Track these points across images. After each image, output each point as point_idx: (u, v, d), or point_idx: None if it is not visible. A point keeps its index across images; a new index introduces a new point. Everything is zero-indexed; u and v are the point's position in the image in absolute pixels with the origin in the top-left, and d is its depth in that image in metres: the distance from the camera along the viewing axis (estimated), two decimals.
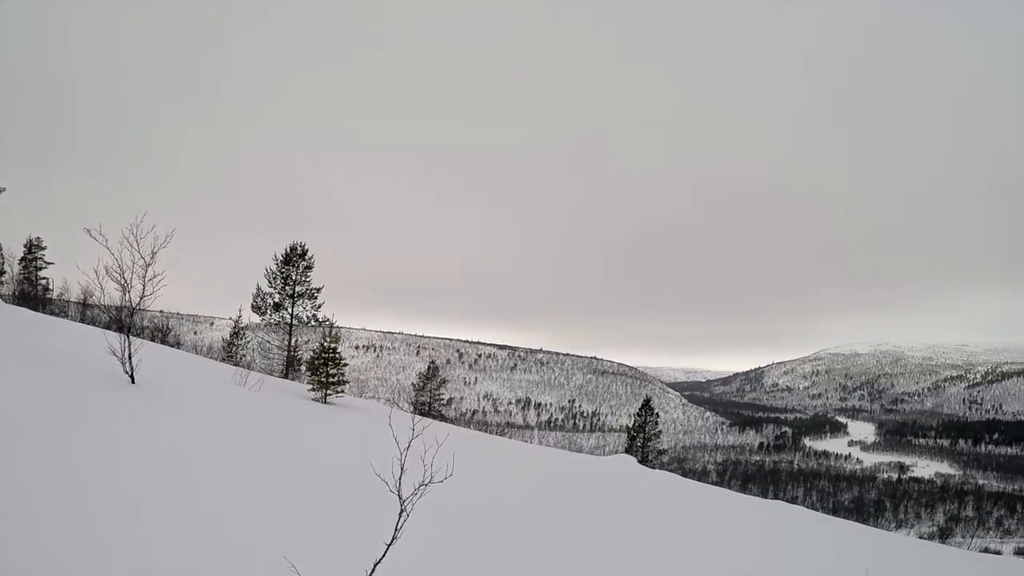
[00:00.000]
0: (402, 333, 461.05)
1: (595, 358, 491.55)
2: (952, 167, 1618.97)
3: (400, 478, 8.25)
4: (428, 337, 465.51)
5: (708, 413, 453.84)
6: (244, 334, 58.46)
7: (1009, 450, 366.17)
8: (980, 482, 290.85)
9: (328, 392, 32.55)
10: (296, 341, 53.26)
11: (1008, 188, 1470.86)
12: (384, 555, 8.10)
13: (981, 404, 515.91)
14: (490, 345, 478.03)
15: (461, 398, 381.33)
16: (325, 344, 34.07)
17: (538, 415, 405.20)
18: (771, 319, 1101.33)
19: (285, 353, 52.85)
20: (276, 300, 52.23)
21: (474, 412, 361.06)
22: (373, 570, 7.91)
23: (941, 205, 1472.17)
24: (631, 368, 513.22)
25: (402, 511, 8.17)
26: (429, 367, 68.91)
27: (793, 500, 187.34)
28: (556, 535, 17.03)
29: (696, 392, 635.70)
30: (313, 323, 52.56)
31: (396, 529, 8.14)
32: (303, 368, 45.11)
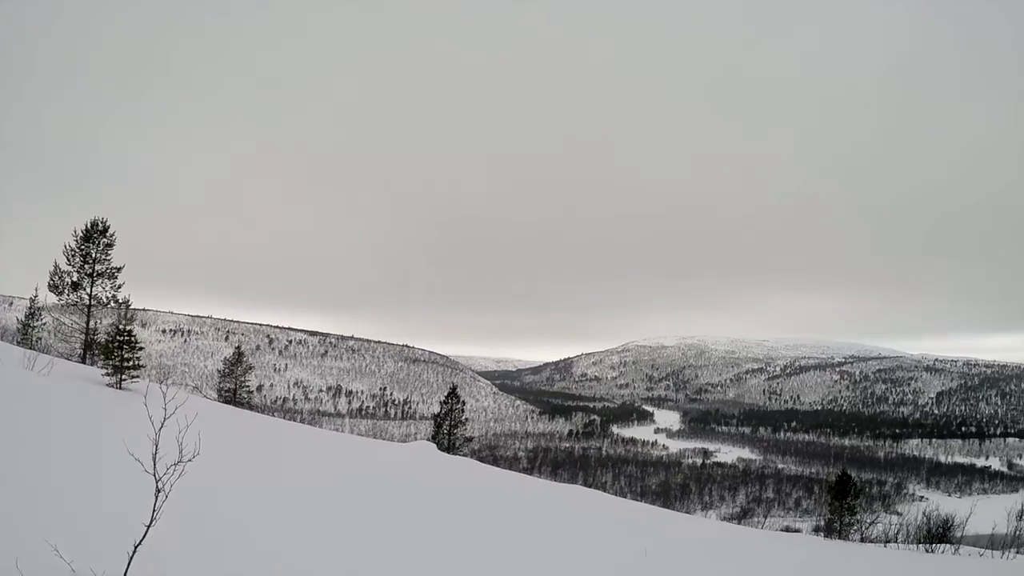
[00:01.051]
0: (211, 317, 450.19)
1: (407, 346, 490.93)
2: (753, 176, 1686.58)
3: (155, 458, 7.98)
4: (238, 322, 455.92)
5: (519, 402, 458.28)
6: (41, 315, 55.78)
7: (806, 436, 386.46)
8: (780, 466, 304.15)
9: (123, 377, 31.40)
10: (97, 324, 51.07)
11: (803, 200, 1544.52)
12: (144, 536, 7.84)
13: (780, 395, 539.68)
14: (301, 331, 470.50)
15: (271, 385, 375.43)
16: (120, 326, 32.88)
17: (349, 403, 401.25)
18: (581, 312, 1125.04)
19: (83, 336, 50.68)
20: (75, 279, 49.85)
21: (284, 400, 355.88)
22: (134, 552, 7.64)
23: (743, 211, 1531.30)
24: (442, 356, 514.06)
25: (159, 491, 7.91)
26: (235, 352, 67.62)
27: (602, 485, 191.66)
28: (340, 520, 16.67)
29: (507, 381, 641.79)
30: (113, 304, 50.46)
31: (154, 511, 7.87)
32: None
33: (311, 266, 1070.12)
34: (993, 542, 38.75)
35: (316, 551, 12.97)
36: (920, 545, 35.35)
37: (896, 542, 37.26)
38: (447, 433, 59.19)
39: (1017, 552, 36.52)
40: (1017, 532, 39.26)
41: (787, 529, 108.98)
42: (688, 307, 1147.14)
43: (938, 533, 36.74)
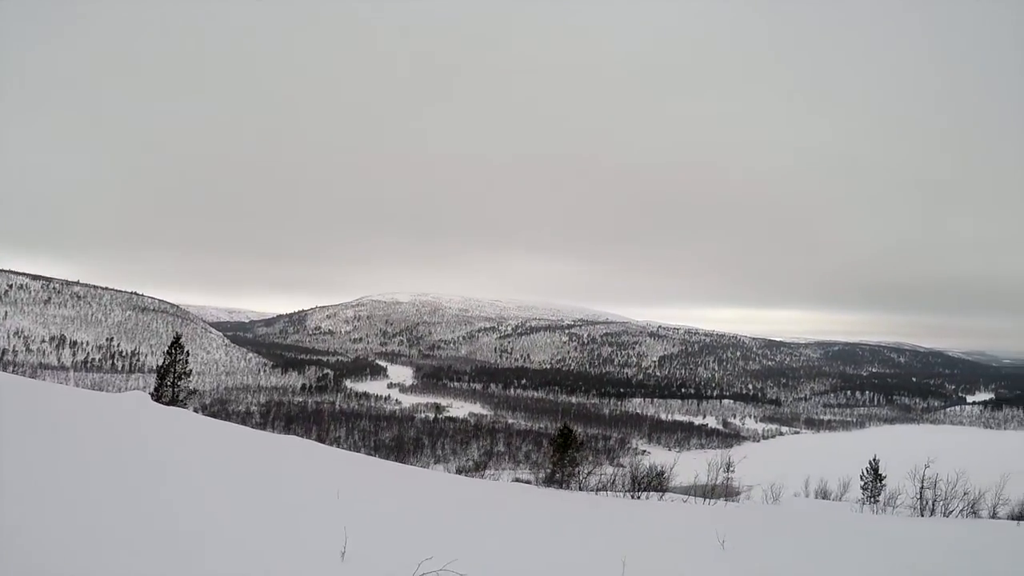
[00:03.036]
0: None
1: (135, 294, 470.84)
2: (488, 146, 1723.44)
3: None
4: None
5: (251, 354, 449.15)
6: None
7: (535, 394, 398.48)
8: (510, 421, 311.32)
9: None
10: None
11: (535, 173, 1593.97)
12: None
13: (511, 353, 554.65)
14: (22, 275, 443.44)
15: None
16: None
17: (74, 355, 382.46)
18: (316, 265, 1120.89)
19: None
20: None
21: (4, 351, 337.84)
22: None
23: (483, 173, 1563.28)
24: (173, 306, 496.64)
25: None
26: None
27: (336, 440, 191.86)
28: (25, 475, 16.04)
29: (239, 333, 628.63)
30: None
31: None
32: None
33: (34, 203, 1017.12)
34: (695, 490, 41.82)
35: None
36: (628, 493, 37.49)
37: (608, 490, 39.28)
38: (171, 385, 57.66)
39: (725, 499, 39.60)
40: (723, 481, 42.40)
41: (517, 480, 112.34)
42: (423, 265, 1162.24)
43: (646, 482, 38.96)
